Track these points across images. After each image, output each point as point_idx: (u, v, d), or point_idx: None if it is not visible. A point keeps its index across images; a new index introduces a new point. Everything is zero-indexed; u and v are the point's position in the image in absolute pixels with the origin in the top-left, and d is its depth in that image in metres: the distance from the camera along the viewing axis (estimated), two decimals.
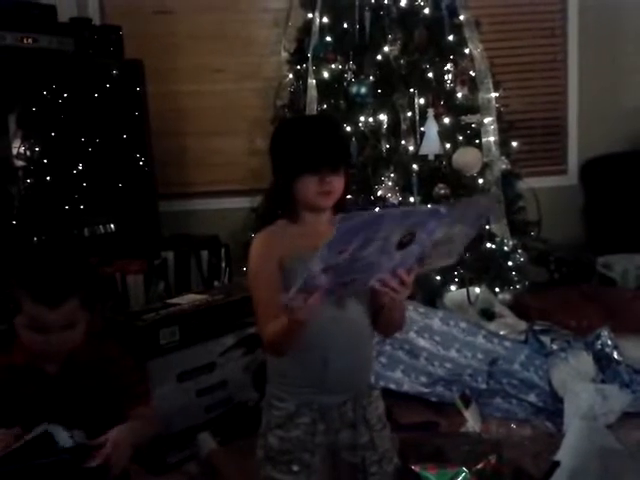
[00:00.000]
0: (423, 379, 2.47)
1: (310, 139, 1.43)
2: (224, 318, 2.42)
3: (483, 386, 2.46)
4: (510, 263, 3.20)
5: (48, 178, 2.90)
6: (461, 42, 3.33)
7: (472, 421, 2.33)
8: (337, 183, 1.43)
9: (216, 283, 3.23)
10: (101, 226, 3.07)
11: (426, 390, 2.46)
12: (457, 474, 1.73)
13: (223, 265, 3.26)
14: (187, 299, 2.47)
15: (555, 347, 2.58)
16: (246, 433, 2.11)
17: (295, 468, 1.46)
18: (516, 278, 3.21)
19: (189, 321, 2.32)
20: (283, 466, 1.46)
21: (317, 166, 1.40)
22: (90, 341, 1.65)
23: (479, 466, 1.91)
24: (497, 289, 3.16)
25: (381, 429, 1.54)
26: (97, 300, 1.76)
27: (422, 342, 2.56)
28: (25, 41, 2.82)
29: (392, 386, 2.45)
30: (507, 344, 2.61)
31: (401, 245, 1.19)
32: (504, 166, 3.28)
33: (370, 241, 1.13)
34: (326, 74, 3.24)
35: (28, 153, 2.84)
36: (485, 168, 3.21)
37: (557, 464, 1.92)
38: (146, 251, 3.14)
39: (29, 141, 2.85)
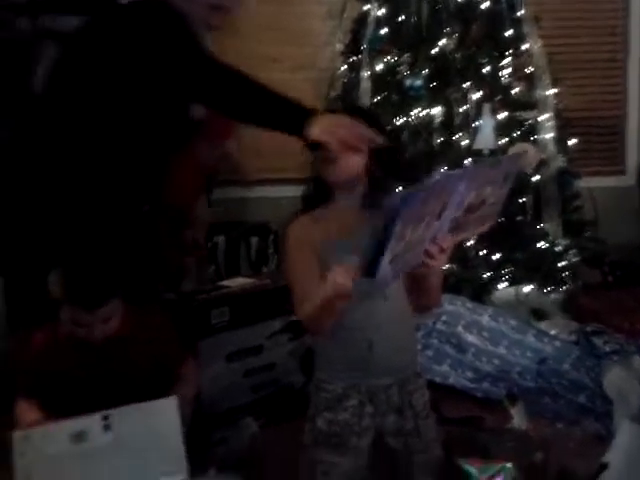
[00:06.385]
0: (470, 374, 2.44)
1: None
2: (271, 303, 2.45)
3: (531, 384, 2.42)
4: (562, 263, 3.13)
5: None
6: (519, 37, 3.27)
7: (518, 419, 2.30)
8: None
9: (264, 269, 3.27)
10: None
11: (472, 385, 2.43)
12: (502, 469, 1.71)
13: (271, 252, 3.30)
14: (236, 282, 2.52)
15: (607, 349, 2.52)
16: (291, 416, 2.13)
17: (343, 451, 1.47)
18: (568, 279, 3.15)
19: (238, 303, 2.37)
20: (331, 449, 1.47)
21: None
22: (134, 312, 1.68)
23: (524, 463, 1.88)
24: (548, 289, 3.10)
25: (426, 417, 1.54)
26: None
27: (470, 337, 2.52)
28: None
29: (437, 379, 2.43)
30: (557, 344, 2.55)
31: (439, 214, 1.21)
32: (561, 164, 3.21)
33: (421, 220, 1.15)
34: (380, 66, 3.22)
35: None
36: (541, 165, 3.15)
37: (605, 466, 1.87)
38: None
39: None
